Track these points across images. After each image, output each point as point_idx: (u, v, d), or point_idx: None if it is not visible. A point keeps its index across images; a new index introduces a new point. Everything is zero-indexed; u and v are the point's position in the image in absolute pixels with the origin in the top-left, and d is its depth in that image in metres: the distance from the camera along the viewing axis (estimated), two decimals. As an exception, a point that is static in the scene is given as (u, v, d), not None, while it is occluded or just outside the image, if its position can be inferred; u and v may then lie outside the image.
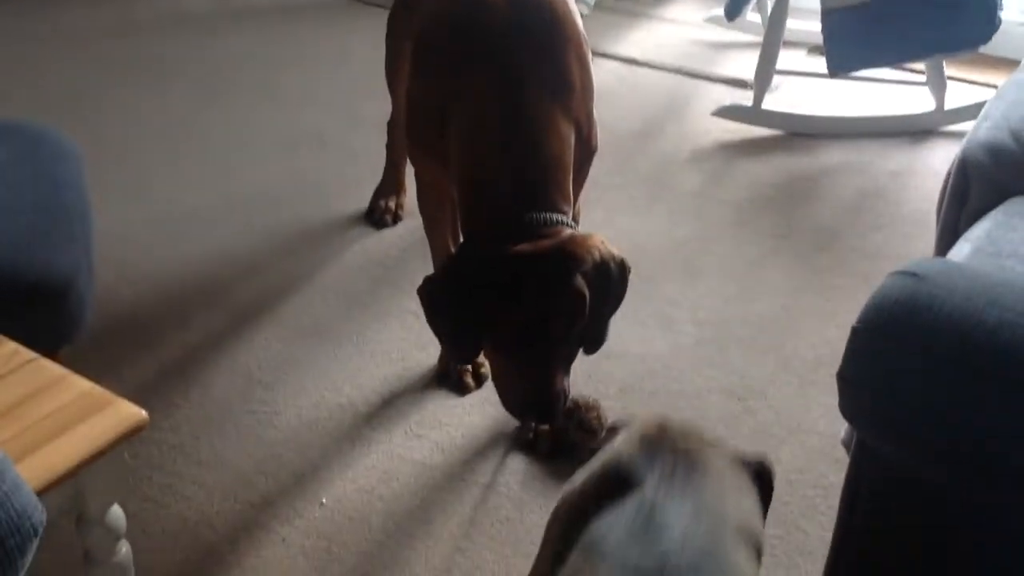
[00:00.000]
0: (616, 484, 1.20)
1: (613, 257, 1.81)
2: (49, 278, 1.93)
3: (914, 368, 1.19)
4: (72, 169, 2.23)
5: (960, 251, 1.70)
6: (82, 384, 1.49)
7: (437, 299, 1.83)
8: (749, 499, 1.21)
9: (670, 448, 1.20)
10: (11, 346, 1.55)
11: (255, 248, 2.76)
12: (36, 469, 1.34)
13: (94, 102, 3.44)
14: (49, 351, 1.76)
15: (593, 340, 1.87)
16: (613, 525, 1.14)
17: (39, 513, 1.12)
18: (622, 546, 1.11)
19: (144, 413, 1.46)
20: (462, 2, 1.99)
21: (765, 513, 1.26)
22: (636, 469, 1.19)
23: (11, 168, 2.14)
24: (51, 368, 1.53)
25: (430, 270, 2.53)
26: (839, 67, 2.94)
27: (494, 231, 1.79)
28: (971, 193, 1.93)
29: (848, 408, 1.29)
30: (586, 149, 2.00)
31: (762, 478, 1.30)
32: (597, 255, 1.78)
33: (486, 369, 2.29)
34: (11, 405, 1.44)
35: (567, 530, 1.24)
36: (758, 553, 1.19)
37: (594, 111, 2.02)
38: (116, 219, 2.81)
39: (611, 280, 1.81)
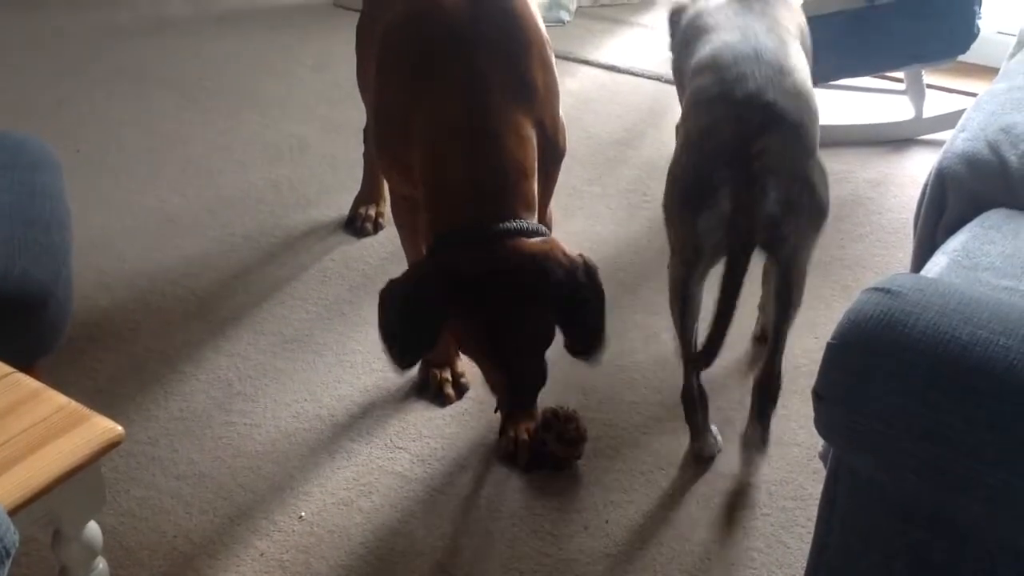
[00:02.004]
0: None
1: (575, 262, 1.82)
2: (27, 290, 1.92)
3: (888, 385, 1.20)
4: (52, 179, 2.22)
5: (937, 264, 1.71)
6: (58, 399, 1.48)
7: (398, 304, 1.85)
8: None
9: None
10: (-13, 361, 1.55)
11: (235, 256, 2.75)
12: (11, 486, 1.34)
13: (74, 108, 3.42)
14: (27, 363, 1.76)
15: (587, 349, 1.88)
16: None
17: (11, 535, 1.11)
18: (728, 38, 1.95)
19: (120, 428, 1.46)
20: (422, 8, 1.98)
21: None
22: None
23: (-11, 178, 2.13)
24: (26, 383, 1.52)
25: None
26: (819, 76, 2.94)
27: (458, 241, 1.80)
28: (948, 204, 1.93)
29: (823, 424, 1.30)
30: (553, 152, 2.01)
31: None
32: (562, 268, 1.79)
33: (466, 380, 2.30)
34: (-14, 421, 1.44)
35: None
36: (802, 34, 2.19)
37: (560, 114, 2.03)
38: (95, 226, 2.80)
39: (582, 286, 1.83)
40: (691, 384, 2.06)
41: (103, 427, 1.44)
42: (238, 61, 3.79)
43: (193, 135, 3.29)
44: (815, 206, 1.88)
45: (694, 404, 2.08)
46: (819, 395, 1.28)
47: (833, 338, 1.27)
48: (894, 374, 1.19)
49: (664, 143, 3.24)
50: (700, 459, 2.11)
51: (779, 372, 2.01)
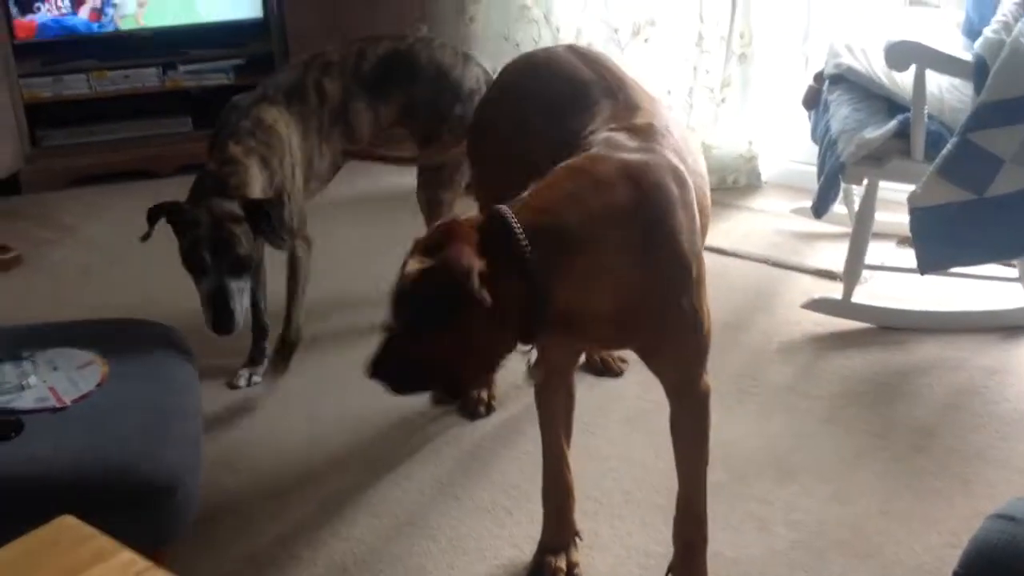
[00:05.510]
0: None
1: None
2: (160, 478, 2.01)
3: (1020, 616, 1.18)
4: (185, 369, 2.35)
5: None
6: (192, 596, 1.54)
7: None
8: None
9: None
10: (126, 555, 1.61)
11: (349, 433, 2.83)
12: None
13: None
14: (155, 546, 1.83)
15: None
16: None
17: None
18: None
19: (248, 628, 1.50)
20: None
21: None
22: None
23: (127, 367, 2.26)
24: (162, 578, 1.58)
25: (525, 465, 2.58)
26: (928, 266, 2.95)
27: None
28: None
29: (954, 651, 1.28)
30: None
31: None
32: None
33: (579, 571, 2.30)
34: (124, 617, 1.49)
35: None
36: None
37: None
38: (219, 405, 2.92)
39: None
40: None
41: (233, 626, 1.48)
42: (355, 240, 3.95)
43: (309, 314, 3.42)
44: None
45: None
46: (948, 622, 1.26)
47: (959, 567, 1.26)
48: (1024, 605, 1.18)
49: (772, 327, 3.27)
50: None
51: None
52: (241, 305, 2.65)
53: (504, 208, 1.78)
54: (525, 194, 1.83)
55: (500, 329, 1.77)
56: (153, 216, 2.66)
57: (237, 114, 2.86)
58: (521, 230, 1.74)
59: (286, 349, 3.01)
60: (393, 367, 1.83)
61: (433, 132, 3.14)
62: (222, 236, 2.60)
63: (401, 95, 3.10)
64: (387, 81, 3.07)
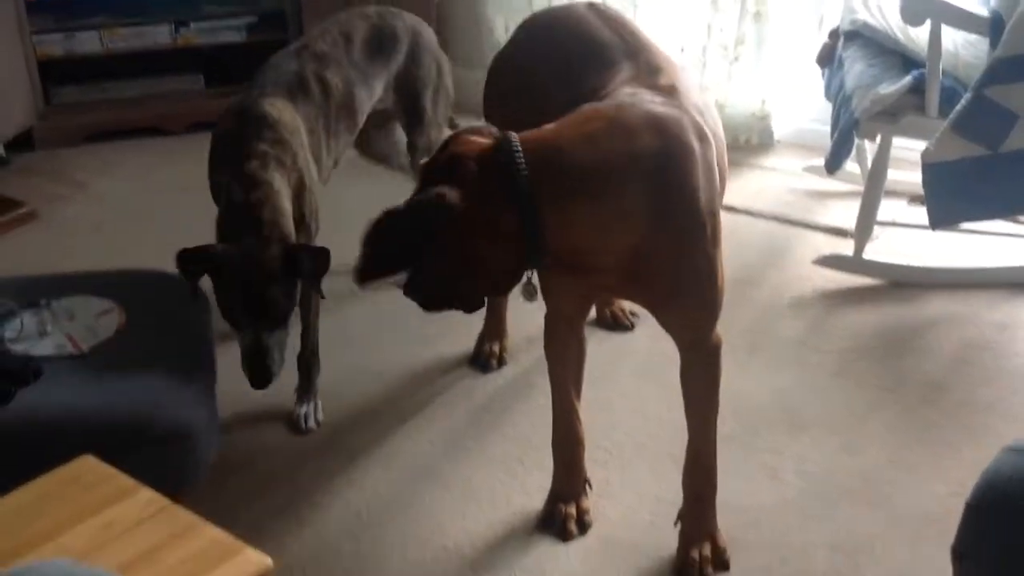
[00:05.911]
0: None
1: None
2: (176, 423, 2.05)
3: (1029, 546, 1.20)
4: (200, 319, 2.37)
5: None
6: (212, 532, 1.57)
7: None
8: None
9: None
10: (147, 493, 1.65)
11: (363, 388, 2.85)
12: (169, 617, 1.42)
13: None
14: (172, 492, 1.86)
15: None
16: None
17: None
18: None
19: (270, 561, 1.53)
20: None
21: None
22: None
23: (145, 316, 2.29)
24: (183, 515, 1.61)
25: (536, 418, 2.60)
26: (940, 221, 2.96)
27: None
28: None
29: (962, 582, 1.30)
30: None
31: None
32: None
33: (590, 517, 2.33)
34: (147, 550, 1.53)
35: None
36: None
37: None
38: (232, 358, 2.94)
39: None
40: None
41: (254, 559, 1.51)
42: (368, 202, 3.95)
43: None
44: None
45: None
46: (958, 553, 1.28)
47: (971, 498, 1.28)
48: (1035, 535, 1.19)
49: (783, 283, 3.28)
50: None
51: None
52: (280, 356, 2.39)
53: (512, 137, 1.80)
54: (546, 127, 1.85)
55: (497, 255, 1.83)
56: (189, 270, 2.33)
57: (239, 123, 2.53)
58: (524, 161, 1.77)
59: (309, 374, 2.73)
60: (417, 287, 1.92)
61: (417, 94, 3.10)
62: (261, 300, 2.31)
63: (385, 71, 3.05)
64: (376, 60, 2.98)
